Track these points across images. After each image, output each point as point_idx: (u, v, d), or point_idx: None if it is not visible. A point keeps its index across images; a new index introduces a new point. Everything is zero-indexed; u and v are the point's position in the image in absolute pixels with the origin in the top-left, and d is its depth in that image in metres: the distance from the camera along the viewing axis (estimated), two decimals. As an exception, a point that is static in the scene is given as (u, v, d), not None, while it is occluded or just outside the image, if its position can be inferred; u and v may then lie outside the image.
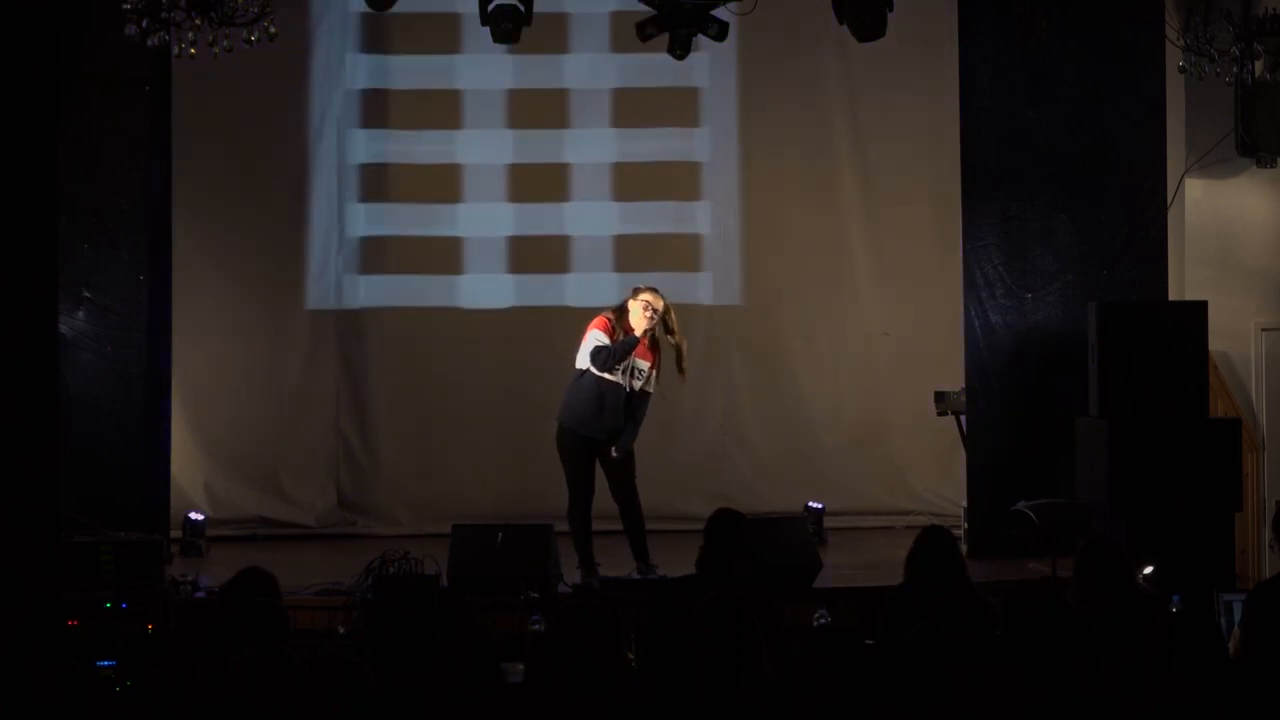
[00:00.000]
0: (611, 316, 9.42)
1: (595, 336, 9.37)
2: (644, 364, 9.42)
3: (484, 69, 12.17)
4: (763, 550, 9.14)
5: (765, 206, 12.41)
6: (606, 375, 9.35)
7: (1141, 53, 10.65)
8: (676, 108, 12.37)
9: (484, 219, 12.32)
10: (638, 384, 9.42)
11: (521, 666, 5.45)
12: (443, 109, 12.29)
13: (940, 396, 11.32)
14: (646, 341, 9.36)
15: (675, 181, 12.40)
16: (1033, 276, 10.76)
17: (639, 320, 9.34)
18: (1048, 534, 9.14)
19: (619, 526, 9.60)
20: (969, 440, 10.94)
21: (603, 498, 9.56)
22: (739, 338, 12.44)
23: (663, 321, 9.39)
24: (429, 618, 6.30)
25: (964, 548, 9.53)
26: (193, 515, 11.06)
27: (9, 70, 5.24)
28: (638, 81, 12.23)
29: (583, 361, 9.40)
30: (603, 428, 9.39)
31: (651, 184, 12.36)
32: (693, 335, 12.06)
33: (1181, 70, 10.18)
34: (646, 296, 9.40)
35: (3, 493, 5.14)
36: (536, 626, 7.57)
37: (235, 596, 6.30)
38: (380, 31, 12.19)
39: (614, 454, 9.35)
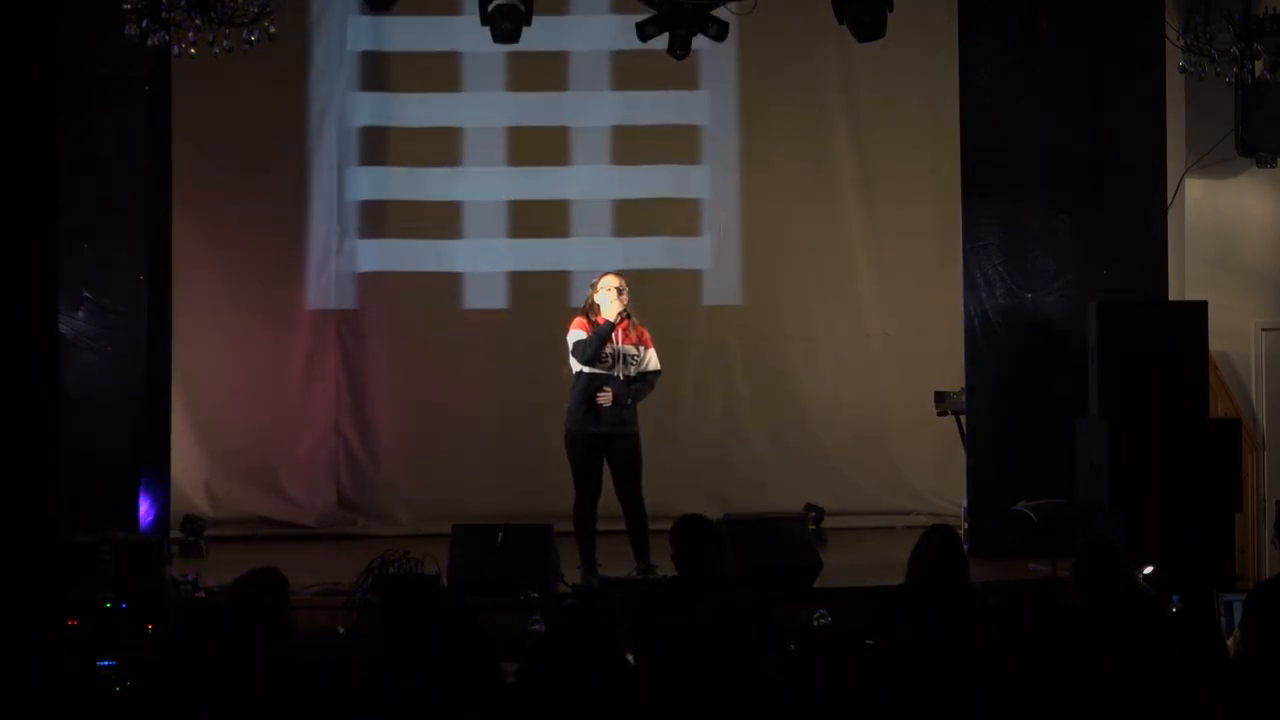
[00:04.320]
0: (585, 316, 9.46)
1: (573, 335, 9.45)
2: (631, 348, 9.45)
3: (485, 68, 12.17)
4: (762, 550, 9.17)
5: (765, 206, 12.41)
6: (598, 370, 9.37)
7: (1141, 53, 10.65)
8: (678, 108, 12.36)
9: (486, 219, 12.32)
10: (632, 369, 9.45)
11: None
12: (443, 108, 12.29)
13: (940, 396, 11.32)
14: (626, 325, 9.39)
15: (676, 181, 12.40)
16: (1033, 276, 10.76)
17: (610, 305, 9.39)
18: (1048, 534, 9.14)
19: (620, 526, 9.60)
20: (969, 440, 10.94)
21: (609, 499, 9.56)
22: (739, 338, 12.44)
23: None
24: (429, 618, 6.30)
25: (965, 547, 9.52)
26: (193, 515, 11.06)
27: (9, 70, 5.25)
28: (639, 82, 12.23)
29: (573, 364, 9.44)
30: (604, 420, 9.39)
31: (652, 184, 12.36)
32: (693, 335, 12.11)
33: (1181, 70, 10.16)
34: (607, 280, 9.45)
35: (3, 493, 5.14)
36: (536, 626, 7.57)
37: (242, 596, 6.30)
38: (380, 32, 12.19)
39: (600, 401, 9.33)
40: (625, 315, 9.40)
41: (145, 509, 10.42)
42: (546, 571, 8.99)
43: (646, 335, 9.58)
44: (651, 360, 9.56)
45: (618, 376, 9.43)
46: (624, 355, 9.46)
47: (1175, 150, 11.02)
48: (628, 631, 5.94)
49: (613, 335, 9.42)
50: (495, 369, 12.26)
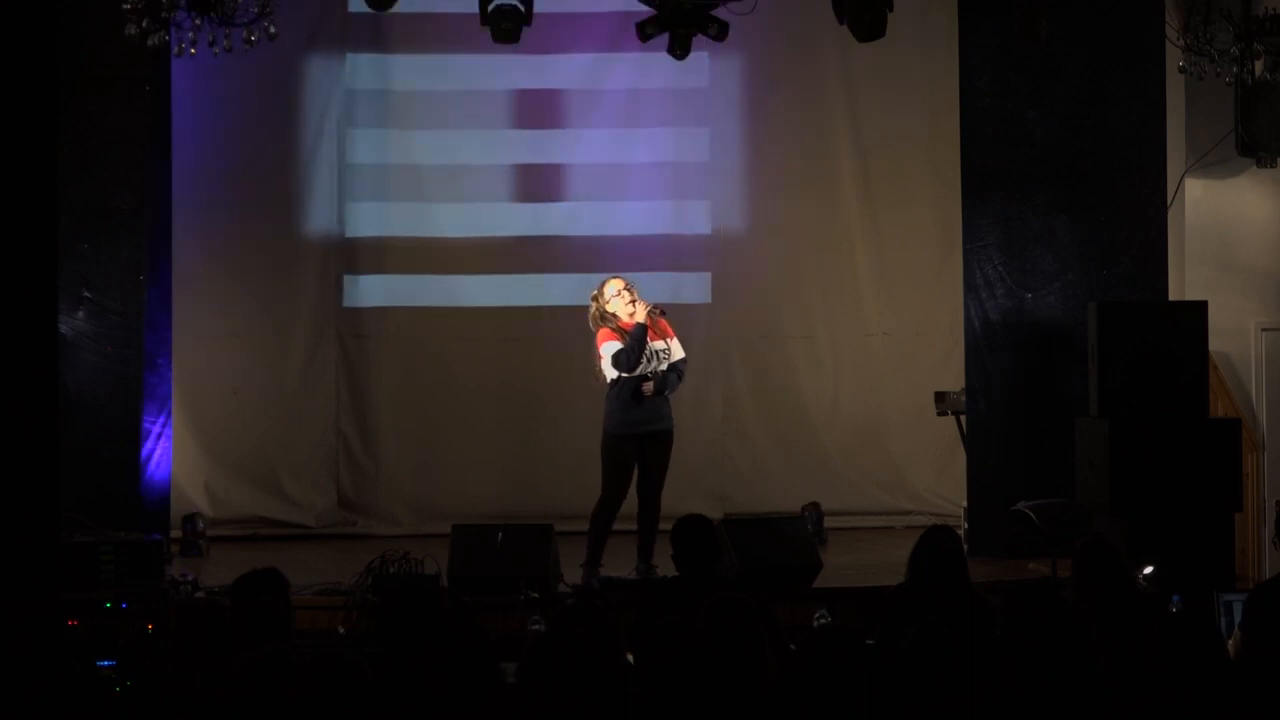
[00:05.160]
0: (607, 326, 9.41)
1: (609, 347, 9.34)
2: (659, 344, 9.41)
3: (486, 68, 12.16)
4: (763, 550, 9.17)
5: (765, 206, 12.41)
6: (633, 373, 9.34)
7: (1141, 53, 10.66)
8: (677, 108, 12.36)
9: (485, 218, 12.32)
10: (665, 364, 9.42)
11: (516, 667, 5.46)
12: (443, 108, 12.29)
13: (940, 396, 11.32)
14: (650, 322, 9.37)
15: (675, 181, 12.40)
16: (1033, 276, 10.76)
17: (634, 309, 9.35)
18: (1048, 534, 9.14)
19: (621, 527, 9.59)
20: (969, 440, 10.94)
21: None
22: (739, 337, 12.44)
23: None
24: (429, 618, 6.30)
25: (964, 547, 9.52)
26: (192, 515, 11.06)
27: (9, 70, 5.24)
28: (638, 82, 12.23)
29: (610, 372, 9.36)
30: (647, 417, 9.37)
31: (651, 184, 12.36)
32: (693, 335, 12.09)
33: (1181, 70, 10.18)
34: (614, 285, 9.41)
35: (3, 493, 5.13)
36: (536, 626, 7.57)
37: (242, 596, 6.31)
38: (380, 31, 12.18)
39: (646, 390, 9.31)
40: (659, 312, 9.36)
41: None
42: (546, 571, 8.99)
43: (667, 326, 9.53)
44: (677, 349, 9.52)
45: (655, 373, 9.41)
46: (655, 353, 9.42)
47: (1175, 150, 11.03)
48: (628, 631, 5.94)
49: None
50: (495, 369, 12.26)
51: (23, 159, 5.24)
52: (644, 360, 9.34)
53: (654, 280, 11.61)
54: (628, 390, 9.34)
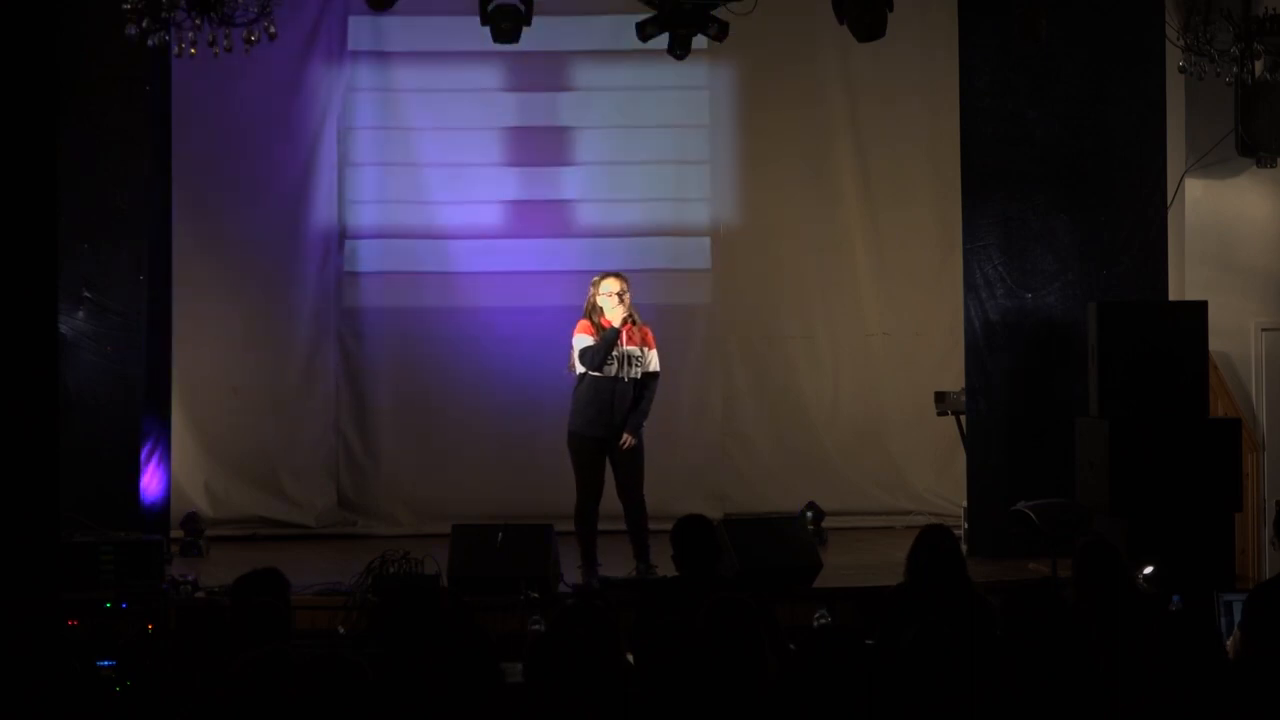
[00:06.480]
0: (589, 318, 9.45)
1: (578, 340, 9.44)
2: (635, 350, 9.45)
3: (486, 68, 12.18)
4: (763, 550, 9.17)
5: (765, 206, 12.41)
6: (602, 374, 9.38)
7: (1141, 53, 10.66)
8: (677, 108, 12.36)
9: (485, 217, 12.32)
10: (637, 371, 9.45)
11: (521, 666, 5.46)
12: (443, 108, 12.29)
13: (940, 396, 11.32)
14: (630, 327, 9.39)
15: (675, 181, 12.40)
16: (1033, 276, 10.76)
17: (613, 310, 9.38)
18: (1048, 534, 9.14)
19: (620, 526, 9.61)
20: (969, 440, 10.94)
21: (608, 499, 9.56)
22: (739, 338, 12.45)
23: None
24: (429, 618, 6.30)
25: (964, 548, 9.53)
26: (192, 515, 11.06)
27: (9, 70, 5.24)
28: (638, 82, 12.23)
29: (576, 367, 9.43)
30: (611, 424, 9.40)
31: (651, 184, 12.35)
32: (693, 335, 12.13)
33: (1181, 70, 10.17)
34: (608, 284, 9.44)
35: (3, 493, 5.13)
36: (536, 626, 7.57)
37: (242, 596, 6.31)
38: (380, 31, 12.19)
39: (625, 445, 9.37)
40: (630, 320, 9.40)
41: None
42: (546, 571, 8.99)
43: (650, 336, 9.56)
44: (653, 361, 9.54)
45: (624, 379, 9.42)
46: (628, 357, 9.45)
47: (1175, 150, 11.03)
48: (628, 631, 5.94)
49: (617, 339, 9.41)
50: (495, 369, 12.26)
51: (23, 159, 5.24)
52: (612, 361, 9.38)
53: (654, 280, 11.64)
54: (590, 390, 9.36)
